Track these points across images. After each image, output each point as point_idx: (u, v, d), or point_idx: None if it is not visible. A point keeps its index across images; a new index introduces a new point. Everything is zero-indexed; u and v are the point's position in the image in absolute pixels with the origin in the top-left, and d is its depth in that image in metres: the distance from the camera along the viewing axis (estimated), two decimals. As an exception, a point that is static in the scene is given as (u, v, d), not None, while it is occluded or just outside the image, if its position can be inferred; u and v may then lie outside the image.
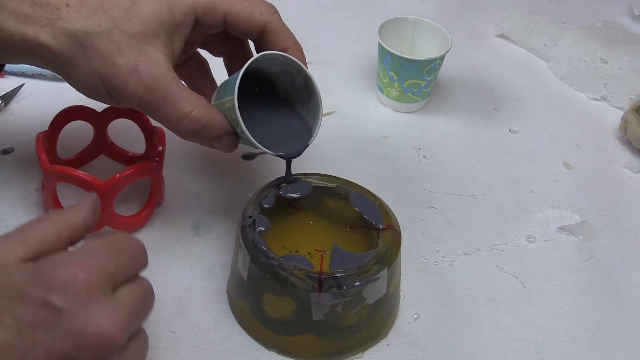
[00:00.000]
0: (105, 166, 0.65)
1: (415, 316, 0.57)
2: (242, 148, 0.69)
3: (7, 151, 0.65)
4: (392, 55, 0.72)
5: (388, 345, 0.54)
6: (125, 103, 0.51)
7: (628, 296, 0.61)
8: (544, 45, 0.87)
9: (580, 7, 0.98)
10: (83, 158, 0.64)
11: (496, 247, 0.63)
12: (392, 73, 0.73)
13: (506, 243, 0.64)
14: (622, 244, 0.65)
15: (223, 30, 0.55)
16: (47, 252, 0.38)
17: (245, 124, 0.51)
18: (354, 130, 0.73)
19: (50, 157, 0.57)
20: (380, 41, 0.73)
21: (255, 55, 0.52)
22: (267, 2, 0.55)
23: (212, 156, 0.67)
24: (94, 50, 0.49)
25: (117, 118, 0.63)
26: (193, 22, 0.52)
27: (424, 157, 0.72)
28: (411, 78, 0.73)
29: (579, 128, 0.78)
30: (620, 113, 0.78)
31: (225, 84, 0.54)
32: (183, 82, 0.53)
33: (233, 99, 0.50)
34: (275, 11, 0.55)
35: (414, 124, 0.75)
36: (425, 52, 0.77)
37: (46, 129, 0.60)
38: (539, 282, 0.61)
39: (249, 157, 0.69)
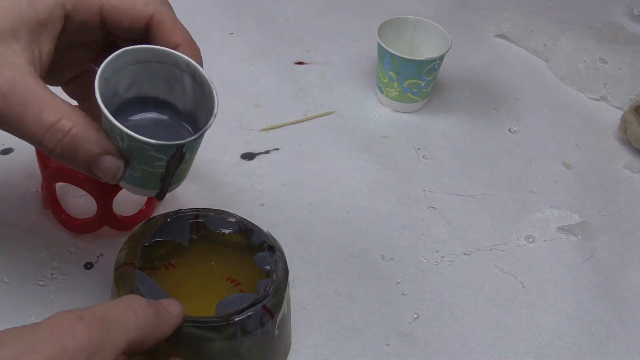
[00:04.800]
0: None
1: (415, 316, 0.57)
2: (242, 148, 0.69)
3: (6, 151, 0.65)
4: (392, 55, 0.72)
5: (388, 345, 0.54)
6: None
7: (628, 296, 0.61)
8: (544, 45, 0.87)
9: (580, 7, 0.98)
10: (83, 158, 0.64)
11: (496, 247, 0.63)
12: (391, 73, 0.73)
13: (506, 243, 0.64)
14: (621, 243, 0.65)
15: (106, 32, 0.46)
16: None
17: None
18: (353, 130, 0.73)
19: (49, 157, 0.57)
20: (380, 41, 0.73)
21: (122, 49, 0.43)
22: None
23: (211, 156, 0.67)
24: None
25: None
26: (63, 19, 0.43)
27: (423, 157, 0.72)
28: (411, 78, 0.73)
29: (578, 128, 0.78)
30: (619, 113, 0.78)
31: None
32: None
33: (95, 94, 0.41)
34: (165, 2, 0.46)
35: (414, 124, 0.75)
36: (425, 52, 0.77)
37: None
38: (538, 282, 0.61)
39: (249, 157, 0.69)
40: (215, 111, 0.44)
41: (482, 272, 0.61)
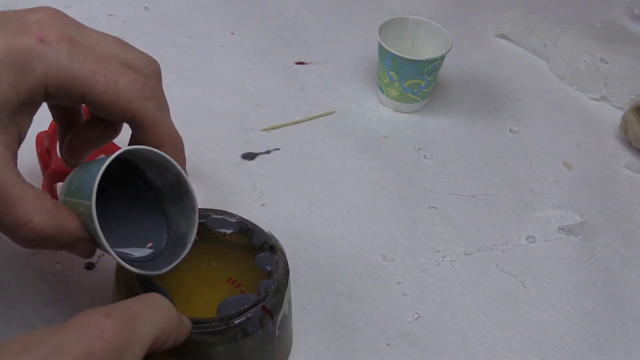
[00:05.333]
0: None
1: (416, 316, 0.57)
2: (242, 148, 0.69)
3: (7, 151, 0.65)
4: (393, 55, 0.72)
5: (388, 345, 0.54)
6: None
7: (628, 296, 0.61)
8: (544, 45, 0.87)
9: (580, 7, 0.98)
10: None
11: (496, 247, 0.63)
12: (392, 73, 0.73)
13: (506, 243, 0.64)
14: (622, 244, 0.65)
15: None
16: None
17: (103, 229, 0.41)
18: (354, 131, 0.73)
19: (50, 157, 0.57)
20: (381, 41, 0.73)
21: (114, 154, 0.42)
22: (144, 82, 0.43)
23: (212, 156, 0.67)
24: None
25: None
26: (42, 99, 0.42)
27: (424, 157, 0.72)
28: (411, 78, 0.73)
29: (579, 128, 0.78)
30: (620, 113, 0.78)
31: (79, 177, 0.44)
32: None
33: (90, 207, 0.40)
34: (149, 96, 0.43)
35: (414, 124, 0.75)
36: (425, 52, 0.77)
37: (46, 129, 0.60)
38: (539, 282, 0.61)
39: (249, 157, 0.69)
40: (191, 240, 0.45)
41: (482, 272, 0.61)
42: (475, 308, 0.58)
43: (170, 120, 0.46)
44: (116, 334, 0.35)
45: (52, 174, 0.56)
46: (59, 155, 0.50)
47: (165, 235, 0.47)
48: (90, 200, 0.40)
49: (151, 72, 0.45)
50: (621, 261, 0.64)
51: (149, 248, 0.46)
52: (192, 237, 0.45)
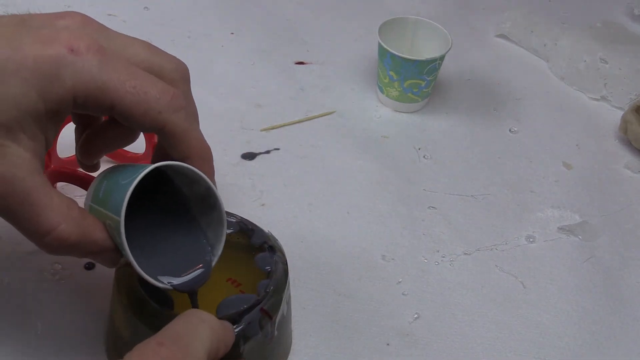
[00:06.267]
0: (105, 166, 0.65)
1: (416, 316, 0.57)
2: (242, 148, 0.69)
3: (7, 151, 0.65)
4: (392, 55, 0.72)
5: (388, 345, 0.54)
6: None
7: (628, 296, 0.61)
8: (544, 45, 0.87)
9: (580, 7, 0.98)
10: (83, 158, 0.64)
11: (496, 247, 0.63)
12: (392, 73, 0.73)
13: (506, 243, 0.64)
14: (622, 243, 0.65)
15: None
16: None
17: (130, 244, 0.41)
18: (353, 130, 0.73)
19: (50, 157, 0.57)
20: (380, 41, 0.73)
21: (145, 169, 0.41)
22: (171, 91, 0.43)
23: (212, 156, 0.67)
24: None
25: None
26: (71, 108, 0.41)
27: (424, 157, 0.72)
28: (411, 78, 0.73)
29: (579, 128, 0.78)
30: (620, 113, 0.78)
31: (108, 187, 0.43)
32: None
33: (119, 222, 0.40)
34: (178, 107, 0.43)
35: (414, 124, 0.75)
36: (425, 52, 0.77)
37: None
38: (539, 282, 0.61)
39: (249, 157, 0.69)
40: (219, 252, 0.45)
41: (482, 272, 0.61)
42: (475, 308, 0.58)
43: (199, 131, 0.46)
44: (174, 358, 0.36)
45: (52, 174, 0.56)
46: (75, 155, 0.50)
47: (208, 256, 0.46)
48: (119, 215, 0.40)
49: (180, 77, 0.45)
50: (621, 261, 0.64)
51: (198, 269, 0.46)
52: (220, 250, 0.45)
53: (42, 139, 0.41)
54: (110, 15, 0.82)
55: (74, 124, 0.50)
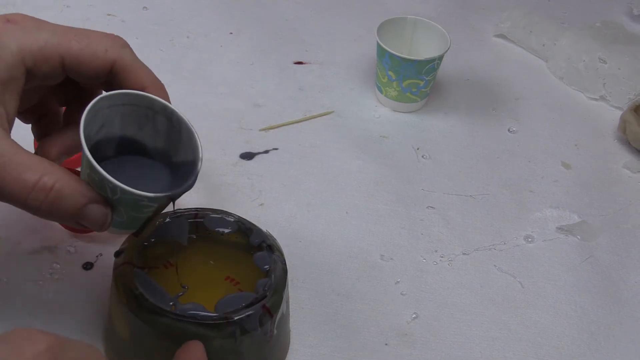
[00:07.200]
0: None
1: (414, 316, 0.57)
2: (241, 148, 0.69)
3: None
4: (391, 55, 0.72)
5: (386, 345, 0.54)
6: None
7: (627, 296, 0.61)
8: (544, 45, 0.87)
9: (579, 7, 0.98)
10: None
11: (495, 247, 0.63)
12: (390, 73, 0.73)
13: (505, 243, 0.64)
14: (621, 243, 0.65)
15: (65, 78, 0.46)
16: None
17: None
18: (352, 130, 0.73)
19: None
20: (379, 41, 0.73)
21: (99, 95, 0.43)
22: (112, 35, 0.46)
23: (210, 156, 0.67)
24: None
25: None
26: (24, 75, 0.43)
27: (422, 157, 0.72)
28: (410, 78, 0.73)
29: (578, 128, 0.78)
30: (619, 113, 0.78)
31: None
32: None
33: (81, 141, 0.41)
34: (124, 44, 0.46)
35: (413, 124, 0.75)
36: (424, 52, 0.77)
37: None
38: (537, 282, 0.61)
39: (248, 156, 0.69)
40: (200, 155, 0.45)
41: (481, 272, 0.61)
42: (473, 308, 0.58)
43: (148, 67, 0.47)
44: None
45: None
46: (73, 155, 0.50)
47: (168, 176, 0.46)
48: (85, 153, 0.41)
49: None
50: (619, 261, 0.64)
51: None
52: (200, 154, 0.45)
53: (2, 110, 0.42)
54: (109, 15, 0.82)
55: (27, 123, 0.51)
